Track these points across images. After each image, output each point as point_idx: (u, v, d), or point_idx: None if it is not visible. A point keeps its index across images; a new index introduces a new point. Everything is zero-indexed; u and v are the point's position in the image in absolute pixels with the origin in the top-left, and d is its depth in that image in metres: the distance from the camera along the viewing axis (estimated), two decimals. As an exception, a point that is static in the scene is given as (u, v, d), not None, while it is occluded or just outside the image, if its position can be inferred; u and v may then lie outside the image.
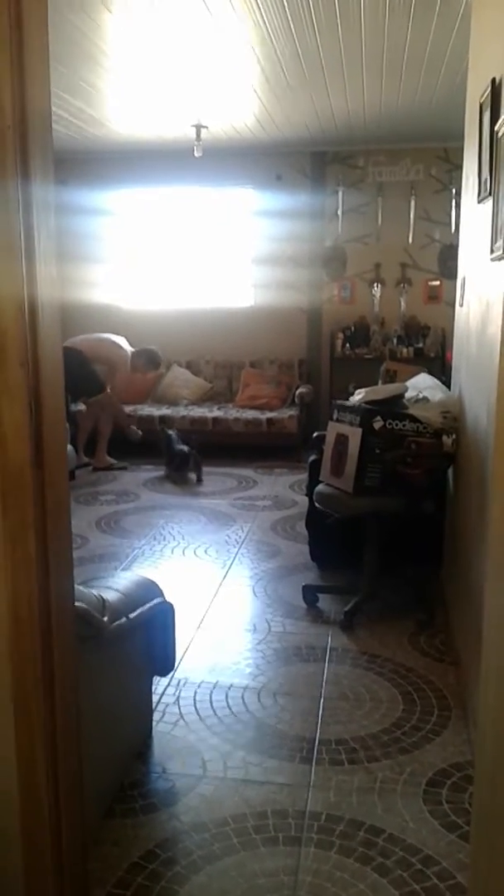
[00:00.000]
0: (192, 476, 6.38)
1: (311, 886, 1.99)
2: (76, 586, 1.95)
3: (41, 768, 1.62)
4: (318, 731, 2.70)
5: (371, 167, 7.48)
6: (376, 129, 6.75)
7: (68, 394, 6.29)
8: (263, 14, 4.11)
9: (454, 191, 7.16)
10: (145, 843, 2.15)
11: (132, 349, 6.81)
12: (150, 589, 2.54)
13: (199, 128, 6.40)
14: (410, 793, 2.36)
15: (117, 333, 7.32)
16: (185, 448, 6.40)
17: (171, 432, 6.55)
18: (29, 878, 1.68)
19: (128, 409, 7.09)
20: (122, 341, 6.84)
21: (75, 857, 1.79)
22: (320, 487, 3.70)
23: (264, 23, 4.23)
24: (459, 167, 3.89)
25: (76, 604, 1.84)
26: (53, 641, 1.62)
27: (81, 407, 6.81)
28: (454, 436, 3.53)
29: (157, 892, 1.97)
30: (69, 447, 5.67)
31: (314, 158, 7.57)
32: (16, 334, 1.43)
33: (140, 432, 6.89)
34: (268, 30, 4.34)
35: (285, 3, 3.96)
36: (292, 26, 4.28)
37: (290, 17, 4.16)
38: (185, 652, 3.26)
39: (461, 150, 3.63)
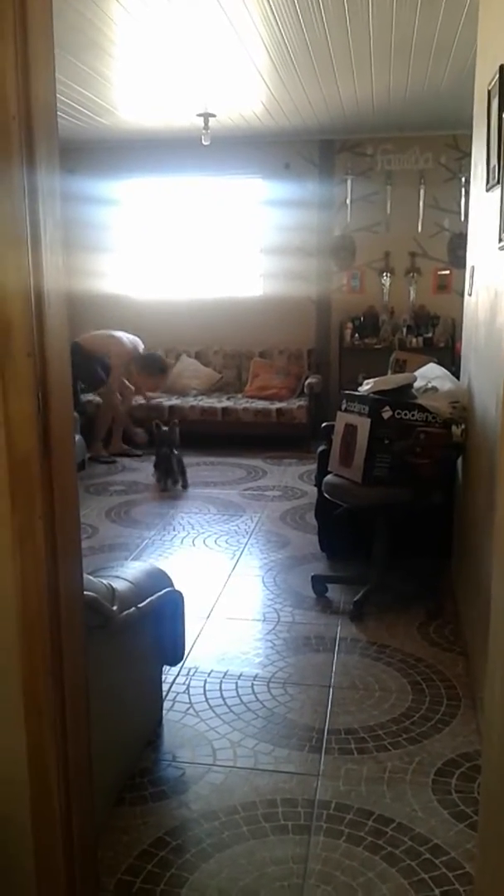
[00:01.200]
0: (178, 483, 5.81)
1: (320, 874, 1.99)
2: (86, 575, 1.96)
3: (51, 757, 1.63)
4: (328, 720, 2.71)
5: (380, 155, 7.44)
6: (385, 117, 6.71)
7: (80, 384, 6.28)
8: (271, 0, 4.08)
9: (463, 179, 7.11)
10: (155, 831, 2.16)
11: (138, 350, 6.68)
12: (159, 578, 2.54)
13: (206, 116, 6.38)
14: (419, 782, 2.37)
15: (126, 323, 7.32)
16: (168, 449, 5.75)
17: (165, 428, 5.87)
18: (40, 865, 1.69)
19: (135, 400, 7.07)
20: (127, 338, 6.68)
21: (85, 844, 1.80)
22: (329, 478, 3.69)
23: (272, 9, 4.21)
24: (469, 155, 3.86)
25: (85, 593, 1.84)
26: (63, 631, 1.62)
27: (98, 400, 6.78)
28: (463, 426, 3.51)
29: (167, 880, 1.98)
30: (78, 437, 5.68)
31: (322, 147, 7.53)
32: (22, 324, 1.43)
33: (144, 434, 6.62)
34: (275, 16, 4.31)
35: (293, -10, 3.94)
36: (300, 13, 4.25)
37: (297, 4, 4.13)
38: (194, 641, 3.27)
39: (470, 137, 3.61)
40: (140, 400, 6.94)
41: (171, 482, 5.80)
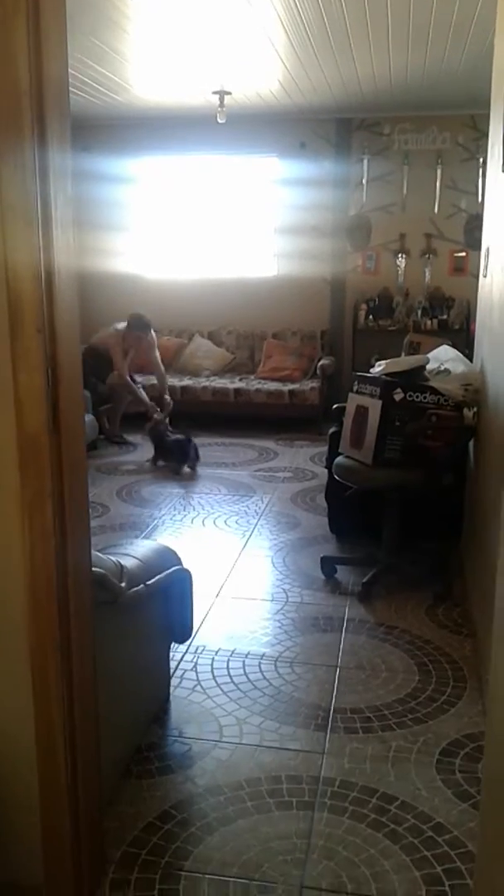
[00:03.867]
0: (187, 468, 5.79)
1: (323, 850, 2.02)
2: (94, 552, 1.97)
3: (58, 731, 1.66)
4: (334, 699, 2.73)
5: (397, 135, 7.36)
6: (402, 96, 6.63)
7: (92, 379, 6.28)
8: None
9: (481, 160, 7.02)
10: (161, 804, 2.19)
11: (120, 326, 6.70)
12: (167, 556, 2.56)
13: (222, 94, 6.32)
14: (424, 762, 2.39)
15: (140, 303, 7.26)
16: (182, 436, 5.84)
17: (160, 427, 6.02)
18: (47, 837, 1.72)
19: (143, 378, 6.95)
20: (115, 325, 6.72)
21: (92, 814, 1.83)
22: (340, 459, 3.69)
23: (289, -14, 4.16)
24: (487, 135, 3.82)
25: (94, 569, 1.86)
26: (71, 608, 1.64)
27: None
28: (475, 409, 3.50)
29: (172, 852, 2.01)
30: (89, 416, 5.68)
31: (339, 126, 7.46)
32: (32, 300, 1.44)
33: (159, 412, 6.48)
34: (293, -7, 4.26)
35: (310, -34, 3.89)
36: (318, -11, 4.20)
37: (315, -20, 4.08)
38: (203, 620, 3.29)
39: (489, 117, 3.56)
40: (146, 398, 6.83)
41: (176, 465, 5.78)
